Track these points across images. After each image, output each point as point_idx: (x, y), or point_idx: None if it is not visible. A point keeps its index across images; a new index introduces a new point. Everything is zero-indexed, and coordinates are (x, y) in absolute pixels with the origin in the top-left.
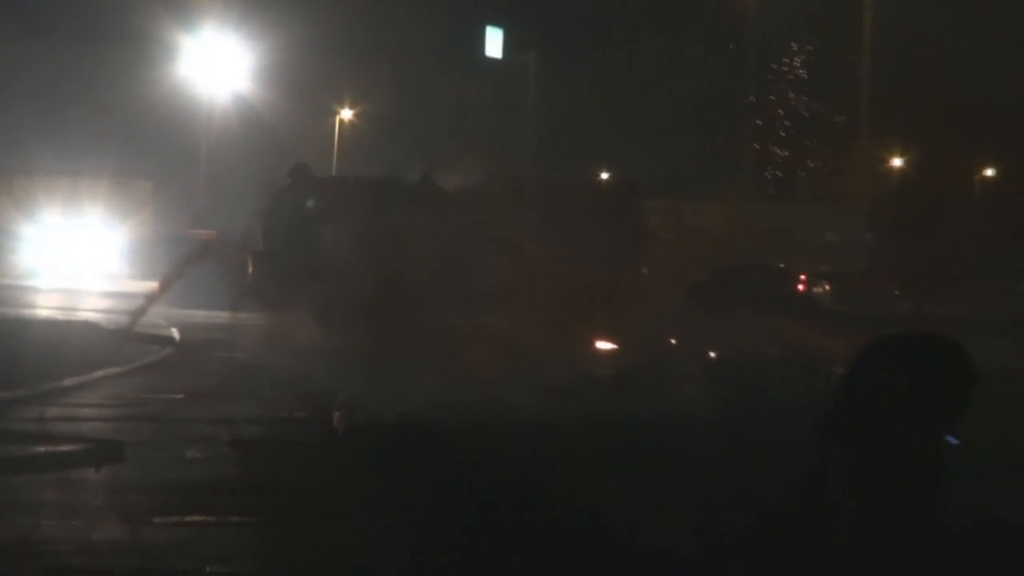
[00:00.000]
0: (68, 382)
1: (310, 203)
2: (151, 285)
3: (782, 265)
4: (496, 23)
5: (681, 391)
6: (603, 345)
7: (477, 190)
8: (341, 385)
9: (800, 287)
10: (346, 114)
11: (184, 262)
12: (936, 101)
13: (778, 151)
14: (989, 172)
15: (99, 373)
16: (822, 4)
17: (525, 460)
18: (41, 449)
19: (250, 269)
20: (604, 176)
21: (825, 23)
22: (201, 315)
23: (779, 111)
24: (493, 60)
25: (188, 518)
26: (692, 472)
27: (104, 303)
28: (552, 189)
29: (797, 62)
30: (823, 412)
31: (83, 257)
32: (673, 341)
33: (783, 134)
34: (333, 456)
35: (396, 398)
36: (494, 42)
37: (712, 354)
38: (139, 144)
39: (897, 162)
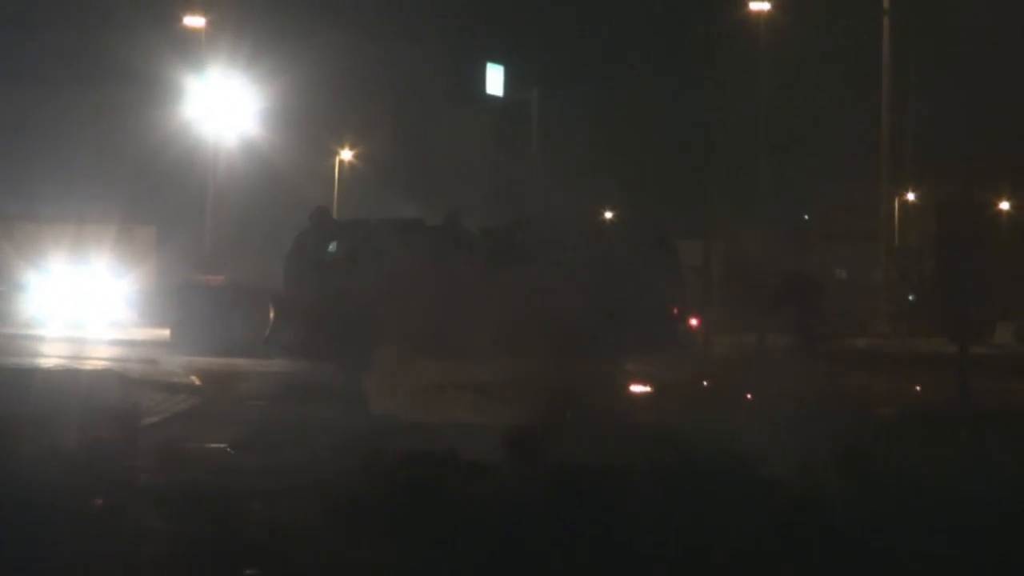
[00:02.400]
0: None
1: (332, 247)
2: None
3: None
4: (497, 60)
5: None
6: (639, 389)
7: (505, 233)
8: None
9: None
10: (346, 155)
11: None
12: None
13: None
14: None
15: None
16: (840, 41)
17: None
18: None
19: (272, 315)
20: (611, 215)
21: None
22: (220, 362)
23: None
24: (494, 98)
25: None
26: None
27: (116, 352)
28: (583, 231)
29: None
30: None
31: (89, 305)
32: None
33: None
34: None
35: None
36: (495, 79)
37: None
38: (144, 189)
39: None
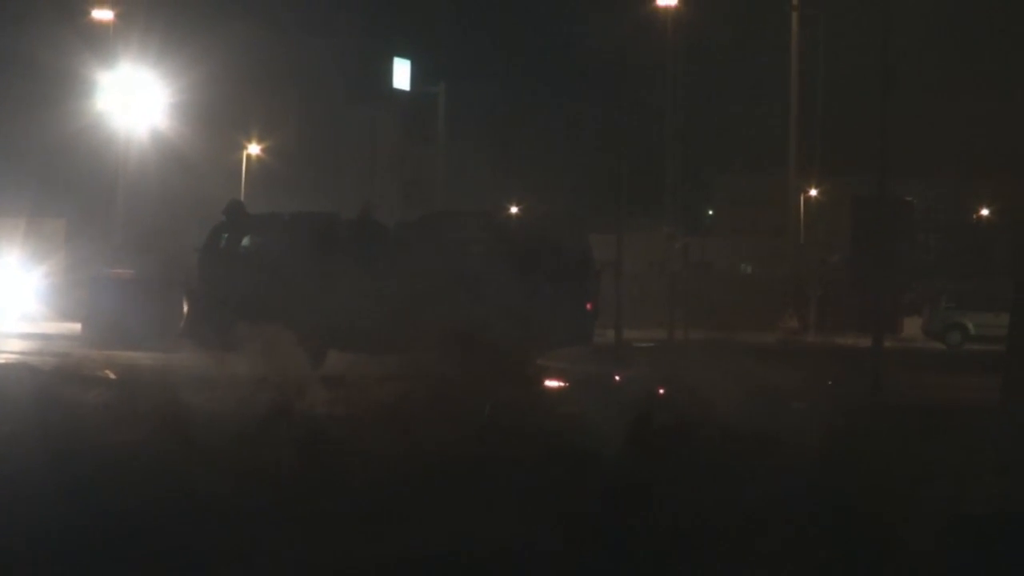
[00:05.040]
0: None
1: (246, 240)
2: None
3: None
4: (403, 54)
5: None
6: (552, 384)
7: (419, 226)
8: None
9: None
10: (254, 148)
11: None
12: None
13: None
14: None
15: None
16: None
17: None
18: None
19: (186, 308)
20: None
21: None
22: (132, 356)
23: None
24: (401, 92)
25: None
26: None
27: (28, 345)
28: (496, 225)
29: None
30: None
31: None
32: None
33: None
34: None
35: None
36: (402, 73)
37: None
38: (54, 182)
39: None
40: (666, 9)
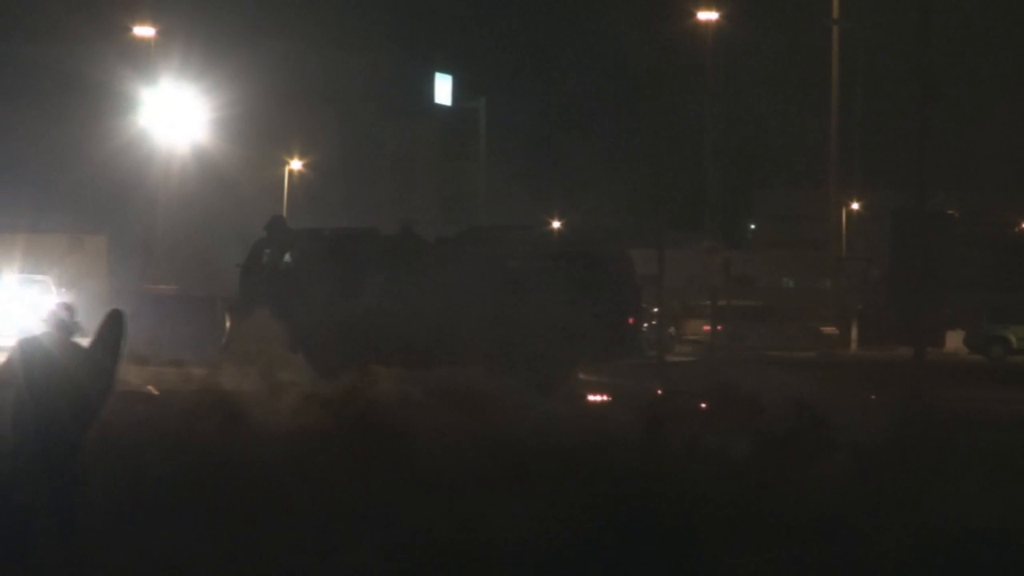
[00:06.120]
0: None
1: (288, 256)
2: None
3: None
4: (445, 70)
5: None
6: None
7: (459, 241)
8: None
9: None
10: (296, 164)
11: None
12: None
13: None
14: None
15: None
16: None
17: None
18: None
19: (228, 323)
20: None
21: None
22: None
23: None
24: (442, 107)
25: None
26: None
27: None
28: (539, 240)
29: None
30: None
31: (39, 314)
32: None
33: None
34: None
35: None
36: (443, 89)
37: None
38: (94, 198)
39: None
40: (707, 24)
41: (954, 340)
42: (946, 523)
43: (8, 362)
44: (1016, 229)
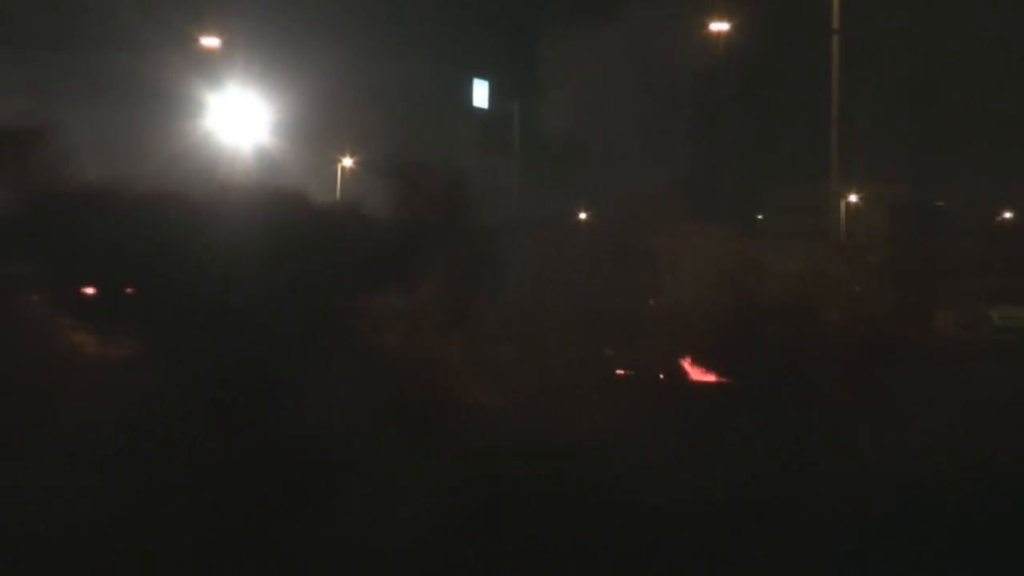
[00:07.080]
0: None
1: None
2: None
3: None
4: (482, 76)
5: None
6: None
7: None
8: None
9: None
10: (347, 162)
11: None
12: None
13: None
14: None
15: None
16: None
17: None
18: None
19: None
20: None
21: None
22: None
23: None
24: (480, 110)
25: None
26: None
27: None
28: (565, 228)
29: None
30: None
31: None
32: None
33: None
34: None
35: None
36: (481, 93)
37: None
38: None
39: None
40: (719, 34)
41: (944, 320)
42: None
43: None
44: (997, 218)
